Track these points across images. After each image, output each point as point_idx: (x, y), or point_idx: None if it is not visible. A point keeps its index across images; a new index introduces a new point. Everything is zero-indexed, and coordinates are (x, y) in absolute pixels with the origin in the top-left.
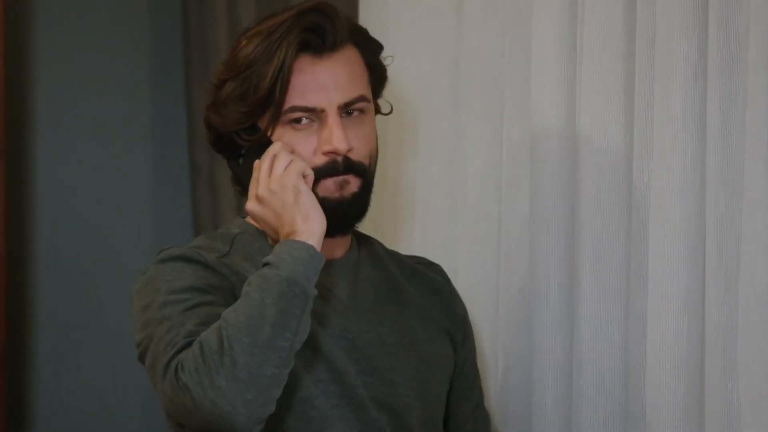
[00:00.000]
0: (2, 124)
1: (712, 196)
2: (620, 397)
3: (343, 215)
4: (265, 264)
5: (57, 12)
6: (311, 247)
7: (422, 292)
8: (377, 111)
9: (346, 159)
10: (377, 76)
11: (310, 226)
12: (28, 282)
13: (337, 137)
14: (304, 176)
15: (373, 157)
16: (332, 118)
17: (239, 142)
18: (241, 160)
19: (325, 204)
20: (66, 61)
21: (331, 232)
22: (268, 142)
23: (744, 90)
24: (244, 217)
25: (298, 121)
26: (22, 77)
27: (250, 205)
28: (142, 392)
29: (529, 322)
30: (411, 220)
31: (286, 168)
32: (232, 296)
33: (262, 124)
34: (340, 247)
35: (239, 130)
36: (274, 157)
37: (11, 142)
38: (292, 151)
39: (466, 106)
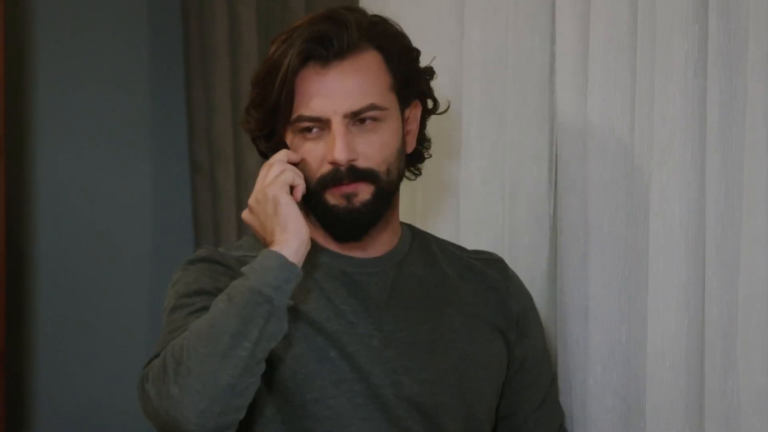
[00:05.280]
0: (2, 123)
1: (712, 194)
2: (623, 395)
3: (354, 223)
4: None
5: (57, 11)
6: (282, 256)
7: (475, 290)
8: (430, 111)
9: (352, 168)
10: (405, 81)
11: (286, 236)
12: (28, 281)
13: (338, 148)
14: (293, 186)
15: (392, 164)
16: (336, 127)
17: (260, 147)
18: None
19: (335, 212)
20: (66, 60)
21: (343, 239)
22: (283, 149)
23: (744, 87)
24: None
25: (307, 129)
26: (23, 77)
27: (244, 213)
28: None
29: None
30: (407, 219)
31: (275, 178)
32: None
33: (278, 131)
34: (382, 244)
35: (260, 135)
36: (270, 166)
37: (11, 141)
38: (302, 159)
39: (469, 105)
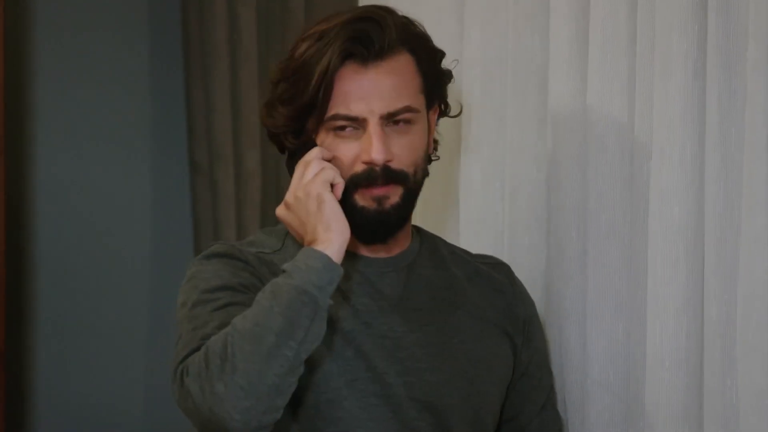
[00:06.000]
0: (2, 123)
1: (711, 194)
2: (621, 395)
3: (382, 225)
4: (283, 271)
5: (57, 11)
6: (326, 256)
7: (483, 293)
8: (444, 114)
9: (386, 168)
10: (432, 83)
11: (330, 236)
12: (28, 281)
13: (375, 148)
14: (333, 185)
15: (419, 165)
16: (373, 128)
17: (286, 143)
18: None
19: (364, 214)
20: (66, 60)
21: (371, 240)
22: (313, 146)
23: (743, 88)
24: None
25: (341, 128)
26: (23, 77)
27: (279, 209)
28: (142, 392)
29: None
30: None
31: (315, 175)
32: None
33: (308, 128)
34: (395, 245)
35: (287, 132)
36: (308, 163)
37: (11, 141)
38: (333, 158)
39: (468, 105)
